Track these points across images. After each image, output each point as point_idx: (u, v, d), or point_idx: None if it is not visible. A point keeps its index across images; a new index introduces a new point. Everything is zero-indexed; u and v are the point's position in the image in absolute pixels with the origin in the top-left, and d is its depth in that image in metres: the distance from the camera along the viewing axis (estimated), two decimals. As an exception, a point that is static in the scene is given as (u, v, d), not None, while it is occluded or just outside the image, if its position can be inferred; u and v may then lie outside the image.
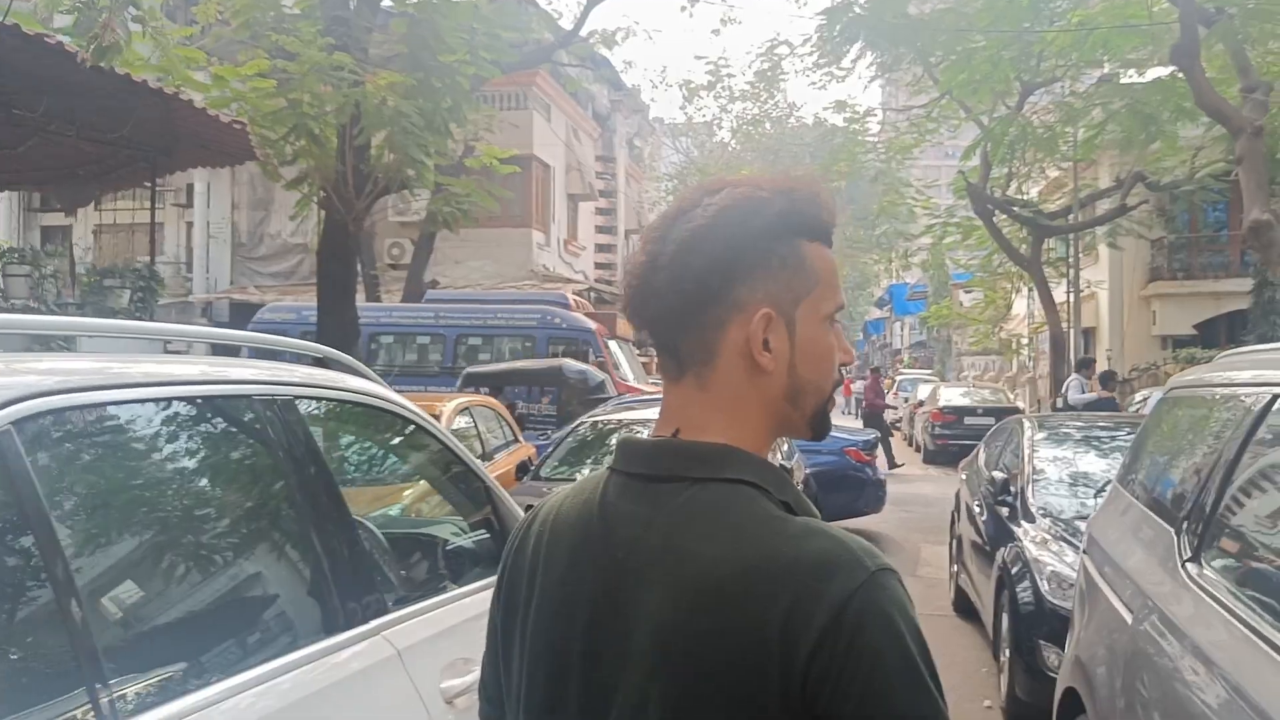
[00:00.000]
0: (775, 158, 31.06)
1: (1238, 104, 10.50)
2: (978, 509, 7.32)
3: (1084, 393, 14.69)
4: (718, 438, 1.05)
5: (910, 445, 24.94)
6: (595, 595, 1.05)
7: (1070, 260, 22.06)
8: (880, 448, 14.95)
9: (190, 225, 25.52)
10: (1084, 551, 4.24)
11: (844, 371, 1.19)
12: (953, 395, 22.13)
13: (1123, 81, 15.61)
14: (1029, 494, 6.28)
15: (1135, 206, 19.82)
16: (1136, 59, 15.13)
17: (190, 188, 25.01)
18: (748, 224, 1.05)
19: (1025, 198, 22.43)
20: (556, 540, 1.12)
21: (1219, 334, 23.05)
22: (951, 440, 20.24)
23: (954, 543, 8.60)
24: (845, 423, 18.99)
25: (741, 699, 0.92)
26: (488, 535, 3.15)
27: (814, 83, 30.07)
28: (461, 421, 8.87)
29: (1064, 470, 6.59)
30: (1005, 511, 6.37)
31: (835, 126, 24.89)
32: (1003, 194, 21.22)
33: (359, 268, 15.17)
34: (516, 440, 9.63)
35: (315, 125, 10.62)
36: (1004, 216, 21.67)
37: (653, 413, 7.68)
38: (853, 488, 11.45)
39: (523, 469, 7.99)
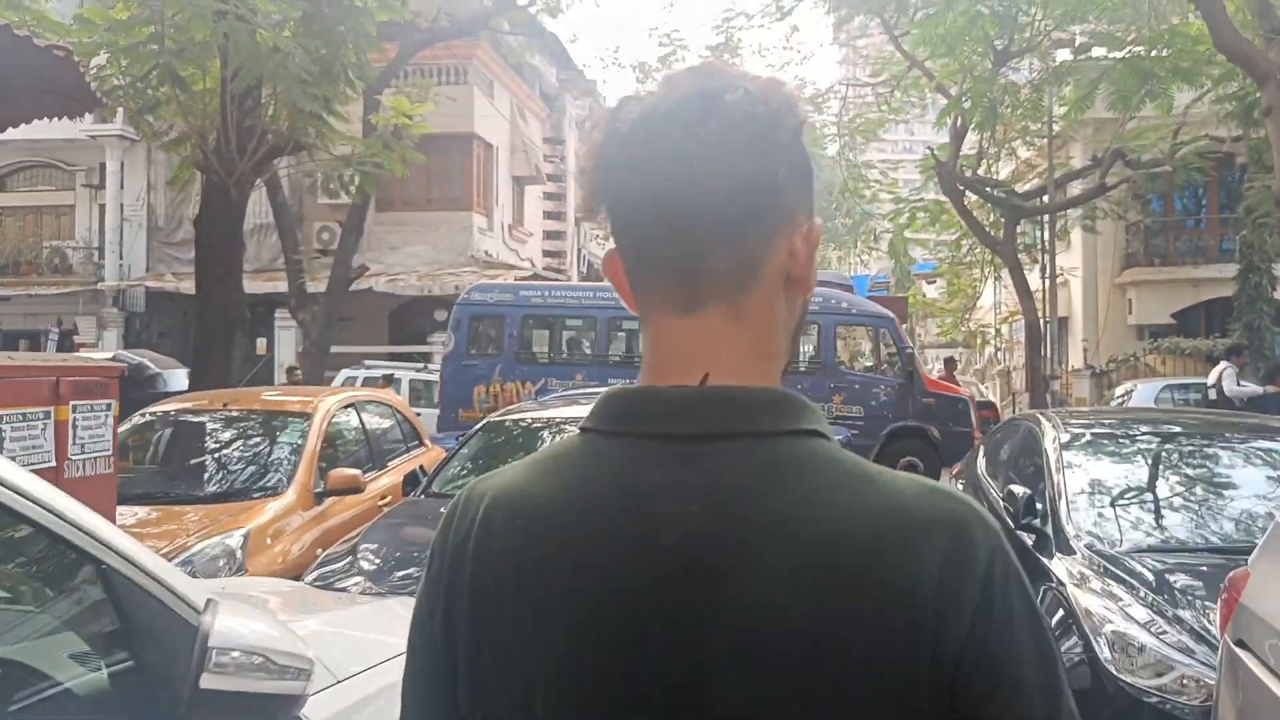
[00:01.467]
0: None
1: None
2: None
3: (1241, 384, 12.23)
4: (757, 382, 0.88)
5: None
6: (638, 601, 0.81)
7: (1044, 245, 20.76)
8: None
9: (103, 208, 23.52)
10: (1231, 629, 2.70)
11: None
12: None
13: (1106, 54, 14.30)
14: (1064, 515, 4.78)
15: (1114, 186, 18.58)
16: (1120, 26, 13.78)
17: (102, 167, 23.04)
18: (794, 117, 0.90)
19: (997, 179, 21.14)
20: (541, 535, 0.86)
21: (1197, 323, 22.03)
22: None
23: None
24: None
25: (887, 695, 0.78)
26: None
27: (770, 64, 28.50)
28: (346, 419, 7.24)
29: (1107, 485, 5.09)
30: (1030, 539, 4.86)
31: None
32: (973, 174, 19.90)
33: (288, 251, 13.26)
34: (420, 443, 7.99)
35: (182, 66, 8.88)
36: (975, 198, 20.37)
37: (580, 410, 5.80)
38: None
39: (411, 481, 6.40)
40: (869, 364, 14.83)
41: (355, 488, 6.41)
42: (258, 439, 6.73)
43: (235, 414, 6.85)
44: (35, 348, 20.93)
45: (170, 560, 4.90)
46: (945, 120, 16.76)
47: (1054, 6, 13.37)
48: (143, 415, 6.98)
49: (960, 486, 7.19)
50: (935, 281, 36.91)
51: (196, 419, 6.92)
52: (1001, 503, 5.39)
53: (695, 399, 0.86)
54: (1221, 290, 20.59)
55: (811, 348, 14.09)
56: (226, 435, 6.79)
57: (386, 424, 7.89)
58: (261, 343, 22.32)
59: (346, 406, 7.31)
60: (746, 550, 0.80)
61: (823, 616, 0.78)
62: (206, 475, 6.56)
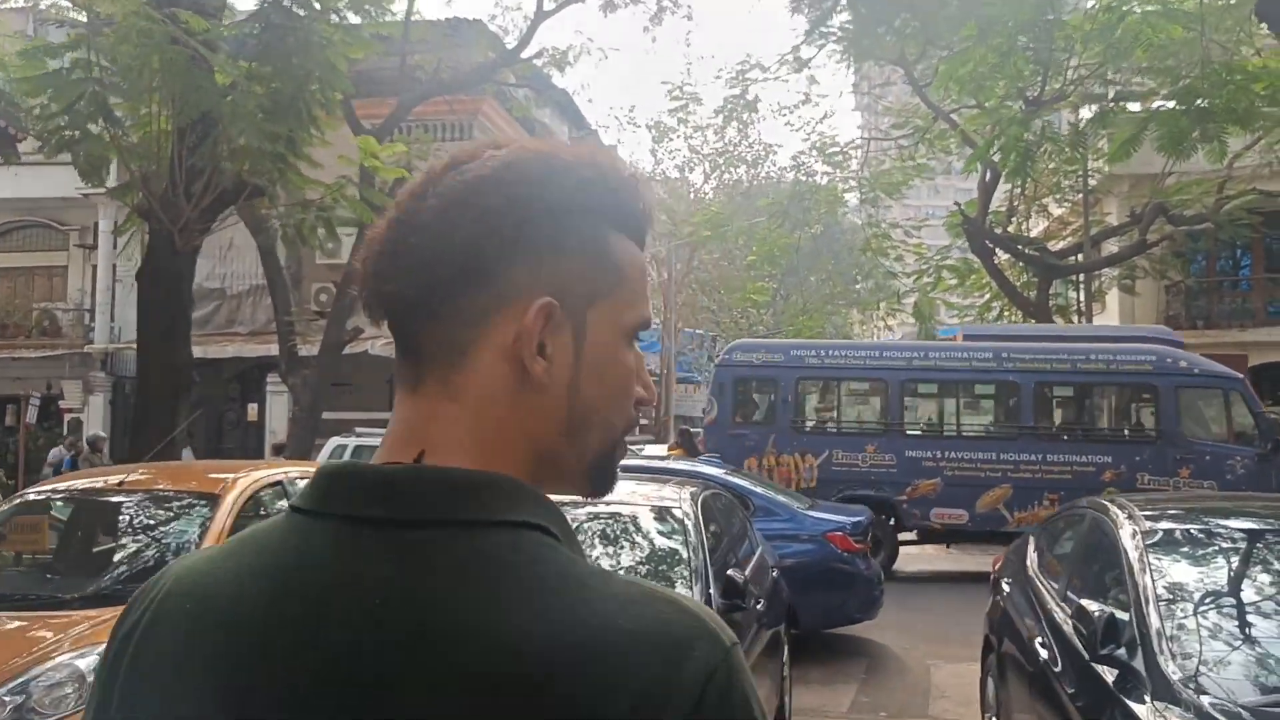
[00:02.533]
0: (750, 203, 28.69)
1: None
2: (1041, 645, 4.60)
3: None
4: (470, 466, 0.78)
5: (903, 516, 22.11)
6: (294, 705, 0.72)
7: (1080, 307, 19.52)
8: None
9: (95, 269, 22.72)
10: None
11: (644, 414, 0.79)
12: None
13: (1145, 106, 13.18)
14: (1157, 646, 3.52)
15: (1155, 244, 17.39)
16: (1169, 64, 12.67)
17: (95, 226, 22.28)
18: (545, 185, 0.81)
19: (1029, 237, 20.00)
20: (208, 623, 0.76)
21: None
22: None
23: (991, 670, 5.87)
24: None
25: None
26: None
27: (789, 121, 27.22)
28: (274, 504, 6.07)
29: (1214, 600, 3.85)
30: (1111, 675, 3.62)
31: (814, 170, 22.46)
32: (1003, 231, 18.79)
33: (279, 312, 12.12)
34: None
35: (123, 103, 7.89)
36: (1005, 256, 19.23)
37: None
38: (839, 587, 8.67)
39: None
40: (1216, 431, 12.75)
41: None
42: (153, 527, 5.58)
43: (129, 496, 5.71)
44: (16, 415, 19.98)
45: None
46: (974, 167, 15.67)
47: (1095, 43, 12.26)
48: (22, 496, 5.87)
49: (1005, 586, 5.93)
50: (962, 346, 35.68)
51: (84, 501, 5.79)
52: (1070, 622, 4.14)
53: (400, 479, 0.77)
54: (1270, 355, 19.28)
55: (1149, 416, 12.50)
56: (115, 521, 5.64)
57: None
58: (253, 408, 21.31)
59: (271, 485, 6.14)
60: (416, 659, 0.70)
61: None
62: (80, 572, 5.40)
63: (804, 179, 21.99)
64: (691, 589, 4.74)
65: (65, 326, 22.13)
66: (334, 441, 17.22)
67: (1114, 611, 3.78)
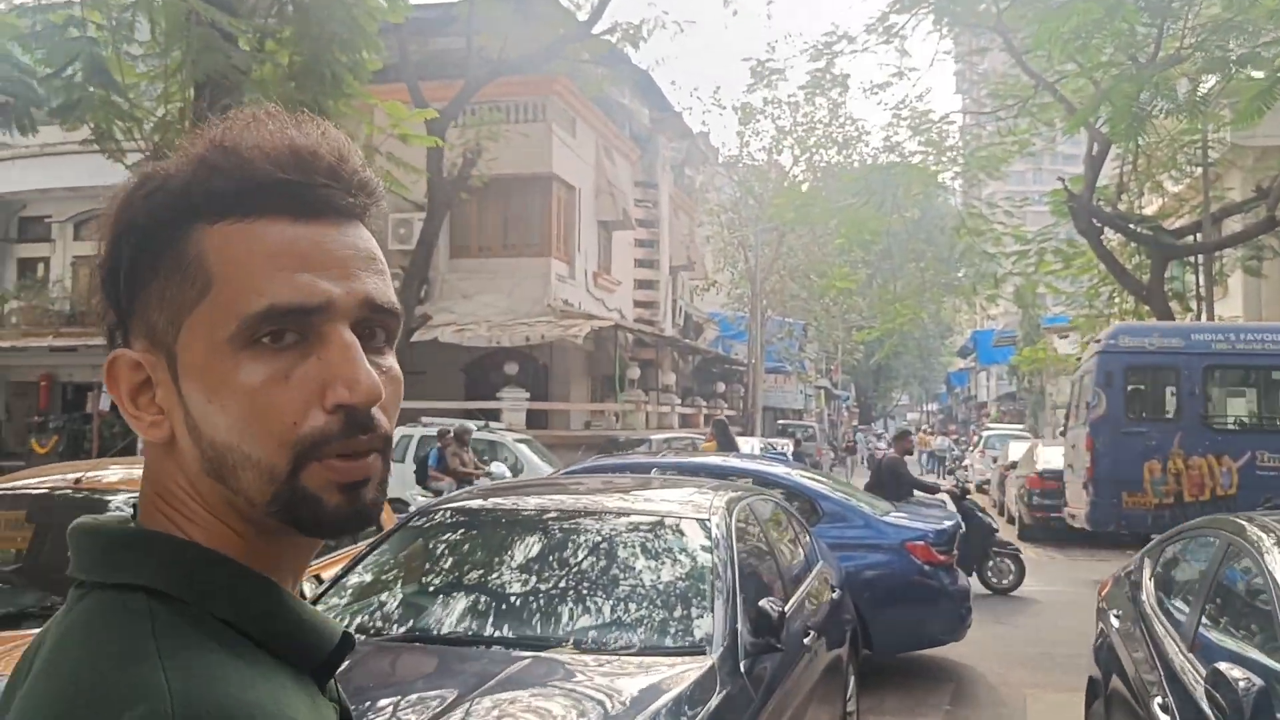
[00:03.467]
0: (843, 186, 27.38)
1: None
2: (1162, 709, 3.57)
3: None
4: (154, 523, 0.73)
5: (1001, 515, 20.72)
6: None
7: (1199, 291, 17.87)
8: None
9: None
10: None
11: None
12: (1055, 456, 17.89)
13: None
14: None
15: (1287, 219, 15.70)
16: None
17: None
18: (134, 211, 0.72)
19: (1141, 215, 18.39)
20: None
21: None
22: (1055, 512, 16.06)
23: (1097, 717, 4.84)
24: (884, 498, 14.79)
25: None
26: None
27: (881, 100, 25.31)
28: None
29: None
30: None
31: (906, 149, 21.10)
32: (1113, 209, 17.26)
33: None
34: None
35: (122, 64, 7.25)
36: (1115, 238, 17.70)
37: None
38: (920, 603, 7.61)
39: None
40: None
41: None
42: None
43: (75, 495, 5.01)
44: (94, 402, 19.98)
45: None
46: (1077, 129, 14.24)
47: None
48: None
49: (1114, 618, 4.85)
50: (1069, 335, 33.68)
51: (35, 501, 5.10)
52: (1202, 686, 3.10)
53: (87, 537, 0.74)
54: None
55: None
56: (58, 525, 4.93)
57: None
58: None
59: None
60: None
61: None
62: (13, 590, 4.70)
63: (897, 159, 20.71)
64: (711, 621, 3.81)
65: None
66: (399, 432, 16.71)
67: (1269, 683, 2.74)
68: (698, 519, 4.45)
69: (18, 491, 5.18)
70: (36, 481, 5.26)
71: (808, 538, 6.07)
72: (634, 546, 4.34)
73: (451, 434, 14.55)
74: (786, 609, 4.41)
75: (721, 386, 33.31)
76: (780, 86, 20.79)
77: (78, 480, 5.07)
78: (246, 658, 0.68)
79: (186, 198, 0.70)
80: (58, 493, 5.07)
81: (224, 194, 0.70)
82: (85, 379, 21.43)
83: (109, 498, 5.00)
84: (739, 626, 3.89)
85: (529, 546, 4.34)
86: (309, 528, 0.72)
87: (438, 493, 12.33)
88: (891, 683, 7.37)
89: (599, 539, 4.33)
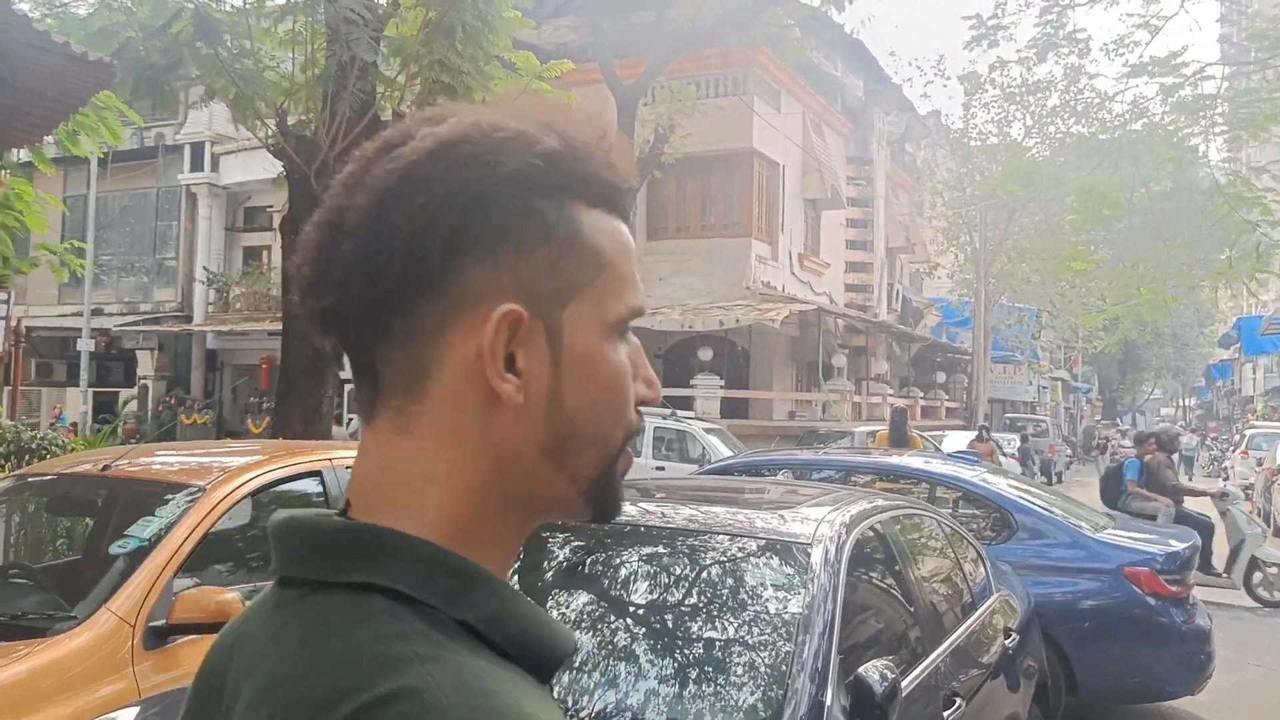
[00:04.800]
0: (1082, 160, 24.70)
1: None
2: None
3: None
4: (405, 515, 0.69)
5: (1269, 524, 17.96)
6: None
7: None
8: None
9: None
10: None
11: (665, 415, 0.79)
12: (1333, 461, 15.22)
13: None
14: None
15: None
16: None
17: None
18: (491, 167, 0.69)
19: None
20: (201, 674, 0.77)
21: None
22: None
23: None
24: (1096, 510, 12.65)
25: None
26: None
27: (1120, 52, 22.42)
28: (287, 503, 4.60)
29: None
30: None
31: (1155, 112, 18.60)
32: None
33: None
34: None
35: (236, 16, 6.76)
36: None
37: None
38: (1140, 643, 6.11)
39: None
40: None
41: (224, 621, 3.71)
42: (109, 529, 4.24)
43: (104, 485, 4.41)
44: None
45: None
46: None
47: None
48: (19, 479, 4.75)
49: None
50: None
51: (53, 489, 4.56)
52: None
53: (288, 533, 0.72)
54: None
55: None
56: (69, 520, 4.37)
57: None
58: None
59: (295, 478, 4.65)
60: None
61: None
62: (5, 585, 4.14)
63: (1142, 125, 18.32)
64: (784, 698, 2.70)
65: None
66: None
67: None
68: (796, 544, 3.30)
69: (44, 478, 4.67)
70: (67, 466, 4.73)
71: (982, 567, 4.78)
72: (700, 582, 3.25)
73: (1154, 440, 11.34)
74: (914, 675, 3.22)
75: (942, 376, 31.16)
76: (1006, 46, 18.70)
77: (104, 467, 4.50)
78: (499, 665, 0.66)
79: (557, 167, 0.70)
80: (83, 477, 4.51)
81: (599, 181, 0.72)
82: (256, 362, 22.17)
83: (137, 485, 4.40)
84: (827, 697, 2.75)
85: (563, 574, 3.33)
86: (601, 510, 0.74)
87: (1151, 516, 9.72)
88: (1102, 744, 5.93)
89: (654, 568, 3.28)
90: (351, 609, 0.65)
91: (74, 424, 20.56)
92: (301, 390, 7.68)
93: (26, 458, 6.62)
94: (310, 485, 4.73)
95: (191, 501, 4.12)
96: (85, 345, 20.88)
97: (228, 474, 4.33)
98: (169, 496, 4.22)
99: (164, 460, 4.67)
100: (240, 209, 24.47)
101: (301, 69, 8.04)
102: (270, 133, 7.53)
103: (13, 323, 12.18)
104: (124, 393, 23.77)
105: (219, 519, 4.18)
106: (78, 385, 21.55)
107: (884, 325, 25.76)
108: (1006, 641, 4.38)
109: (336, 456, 4.92)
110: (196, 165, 23.48)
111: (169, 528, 3.99)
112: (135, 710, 3.30)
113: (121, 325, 23.35)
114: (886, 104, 27.46)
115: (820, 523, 3.46)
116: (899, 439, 12.41)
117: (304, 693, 0.62)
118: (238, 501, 4.29)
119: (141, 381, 23.61)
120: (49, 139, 11.80)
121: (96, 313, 22.64)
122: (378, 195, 0.67)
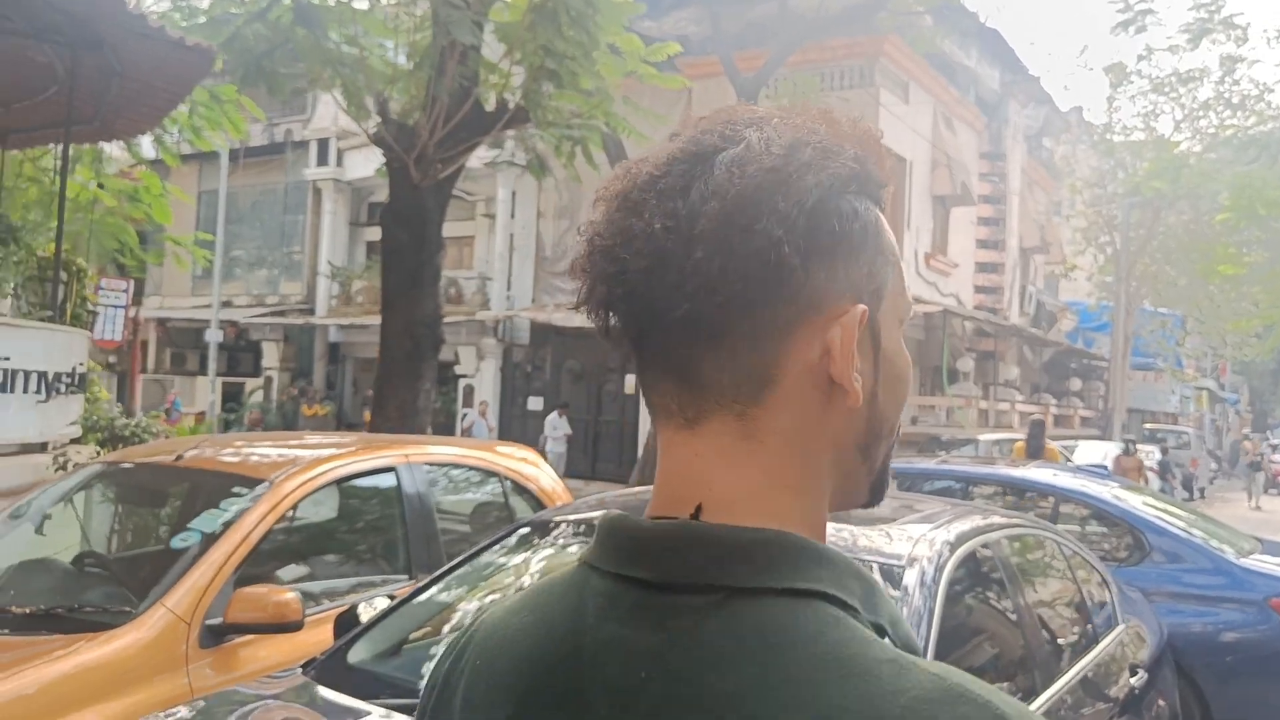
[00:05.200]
0: (1232, 152, 23.15)
1: None
2: None
3: None
4: (767, 520, 0.69)
5: None
6: None
7: None
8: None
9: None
10: None
11: None
12: None
13: None
14: None
15: None
16: None
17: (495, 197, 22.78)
18: (824, 171, 0.70)
19: None
20: (491, 685, 0.74)
21: None
22: None
23: None
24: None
25: None
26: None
27: None
28: (367, 500, 4.41)
29: None
30: None
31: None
32: None
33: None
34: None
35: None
36: None
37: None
38: (1291, 685, 5.47)
39: (345, 626, 3.44)
40: None
41: (284, 623, 3.55)
42: (178, 520, 4.12)
43: (172, 475, 4.30)
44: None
45: None
46: None
47: None
48: (106, 465, 4.69)
49: None
50: None
51: (130, 478, 4.47)
52: None
53: (666, 537, 0.70)
54: None
55: None
56: (139, 511, 4.27)
57: (474, 504, 4.95)
58: (630, 380, 20.55)
59: (368, 473, 4.46)
60: None
61: None
62: (55, 580, 4.04)
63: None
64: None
65: (468, 294, 22.77)
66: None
67: None
68: (889, 563, 2.93)
69: (124, 466, 4.59)
70: (144, 455, 4.65)
71: (1108, 593, 4.27)
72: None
73: None
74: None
75: (1078, 384, 29.73)
76: (1154, 32, 17.56)
77: (178, 457, 4.39)
78: None
79: (865, 170, 0.72)
80: (157, 466, 4.41)
81: (878, 181, 0.74)
82: (445, 357, 22.40)
83: (207, 476, 4.28)
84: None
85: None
86: (876, 495, 0.77)
87: None
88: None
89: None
90: (812, 614, 0.65)
91: (200, 413, 21.26)
92: (399, 384, 7.58)
93: (119, 445, 6.70)
94: (384, 481, 4.55)
95: (257, 496, 3.97)
96: (214, 336, 21.55)
97: (297, 468, 4.17)
98: (236, 489, 4.08)
99: (237, 452, 4.55)
100: (364, 204, 24.93)
101: (407, 55, 7.94)
102: (375, 122, 7.45)
103: (131, 313, 12.50)
104: (250, 383, 24.48)
105: (285, 514, 4.02)
106: (207, 375, 22.28)
107: (1015, 328, 24.67)
108: (1134, 680, 3.88)
109: (413, 452, 4.72)
110: (322, 160, 24.02)
111: (232, 522, 3.84)
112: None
113: (249, 317, 24.05)
114: (1024, 96, 26.29)
115: (918, 541, 3.09)
116: (1036, 450, 11.77)
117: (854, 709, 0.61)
118: (305, 497, 4.13)
119: (266, 372, 24.28)
120: (173, 133, 12.07)
121: (226, 305, 23.37)
122: (734, 201, 0.67)
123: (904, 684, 0.62)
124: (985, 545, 3.38)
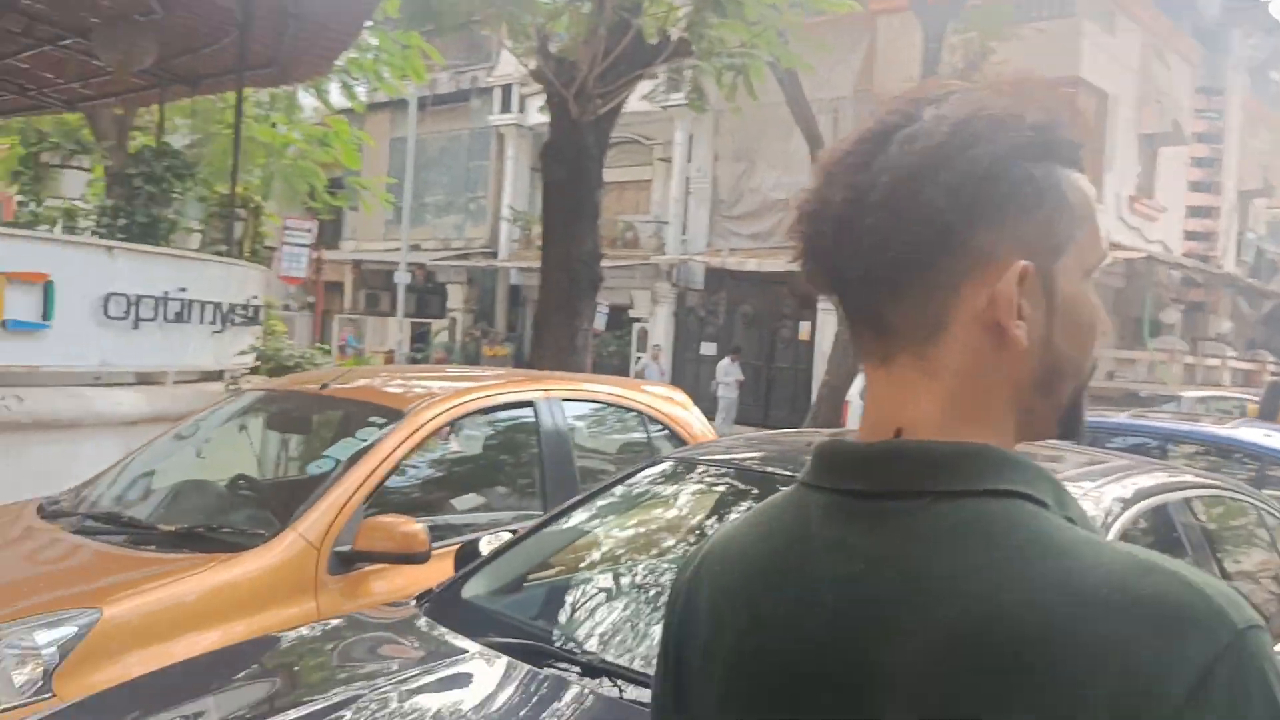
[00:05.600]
0: None
1: None
2: None
3: None
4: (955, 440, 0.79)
5: None
6: (796, 663, 0.78)
7: None
8: None
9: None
10: None
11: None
12: None
13: None
14: None
15: None
16: None
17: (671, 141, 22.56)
18: (996, 141, 0.79)
19: None
20: (731, 589, 0.86)
21: None
22: None
23: None
24: None
25: None
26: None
27: None
28: (510, 432, 4.34)
29: None
30: None
31: None
32: None
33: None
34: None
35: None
36: None
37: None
38: None
39: (467, 556, 3.36)
40: None
41: (410, 553, 3.52)
42: (310, 449, 4.16)
43: (316, 404, 4.34)
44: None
45: None
46: None
47: None
48: (267, 393, 4.81)
49: None
50: None
51: (281, 404, 4.54)
52: None
53: (877, 454, 0.80)
54: None
55: None
56: (281, 437, 4.32)
57: (619, 444, 4.82)
58: (805, 326, 20.06)
59: (504, 407, 4.38)
60: (896, 624, 0.73)
61: (962, 712, 0.68)
62: (206, 500, 4.12)
63: None
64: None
65: (643, 238, 22.74)
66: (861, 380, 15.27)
67: None
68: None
69: (277, 393, 4.67)
70: (288, 384, 4.72)
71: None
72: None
73: None
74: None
75: (1302, 339, 27.27)
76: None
77: (323, 386, 4.42)
78: None
79: (1046, 136, 0.79)
80: (300, 395, 4.47)
81: (1070, 144, 0.81)
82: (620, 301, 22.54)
83: (348, 405, 4.30)
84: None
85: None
86: (1068, 430, 0.84)
87: None
88: None
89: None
90: (1013, 510, 0.74)
91: (390, 351, 22.14)
92: (556, 321, 7.53)
93: (284, 375, 6.94)
94: (522, 415, 4.46)
95: (391, 426, 3.94)
96: (402, 279, 22.32)
97: (434, 400, 4.13)
98: (374, 419, 4.08)
99: (379, 383, 4.55)
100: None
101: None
102: (537, 58, 7.36)
103: (314, 253, 12.96)
104: (435, 324, 25.31)
105: (418, 445, 3.99)
106: (397, 316, 23.15)
107: (1230, 278, 22.76)
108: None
109: (553, 388, 4.61)
110: (505, 107, 24.35)
111: (366, 451, 3.83)
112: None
113: (435, 260, 24.79)
114: (1249, 25, 23.93)
115: (1086, 495, 2.74)
116: (1271, 413, 10.77)
117: (1090, 591, 0.68)
118: (440, 429, 4.09)
119: (451, 314, 25.05)
120: (360, 81, 12.33)
121: (415, 248, 24.14)
122: (900, 175, 0.77)
123: (1101, 559, 0.70)
124: (1168, 505, 2.99)
